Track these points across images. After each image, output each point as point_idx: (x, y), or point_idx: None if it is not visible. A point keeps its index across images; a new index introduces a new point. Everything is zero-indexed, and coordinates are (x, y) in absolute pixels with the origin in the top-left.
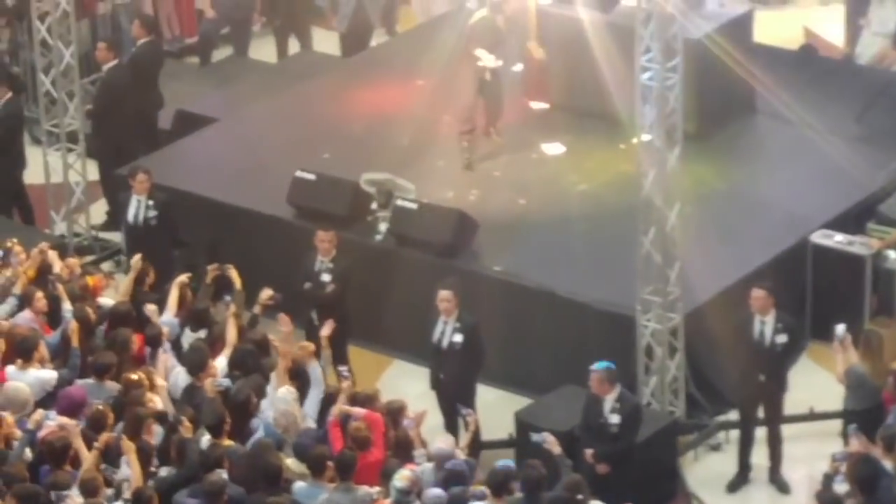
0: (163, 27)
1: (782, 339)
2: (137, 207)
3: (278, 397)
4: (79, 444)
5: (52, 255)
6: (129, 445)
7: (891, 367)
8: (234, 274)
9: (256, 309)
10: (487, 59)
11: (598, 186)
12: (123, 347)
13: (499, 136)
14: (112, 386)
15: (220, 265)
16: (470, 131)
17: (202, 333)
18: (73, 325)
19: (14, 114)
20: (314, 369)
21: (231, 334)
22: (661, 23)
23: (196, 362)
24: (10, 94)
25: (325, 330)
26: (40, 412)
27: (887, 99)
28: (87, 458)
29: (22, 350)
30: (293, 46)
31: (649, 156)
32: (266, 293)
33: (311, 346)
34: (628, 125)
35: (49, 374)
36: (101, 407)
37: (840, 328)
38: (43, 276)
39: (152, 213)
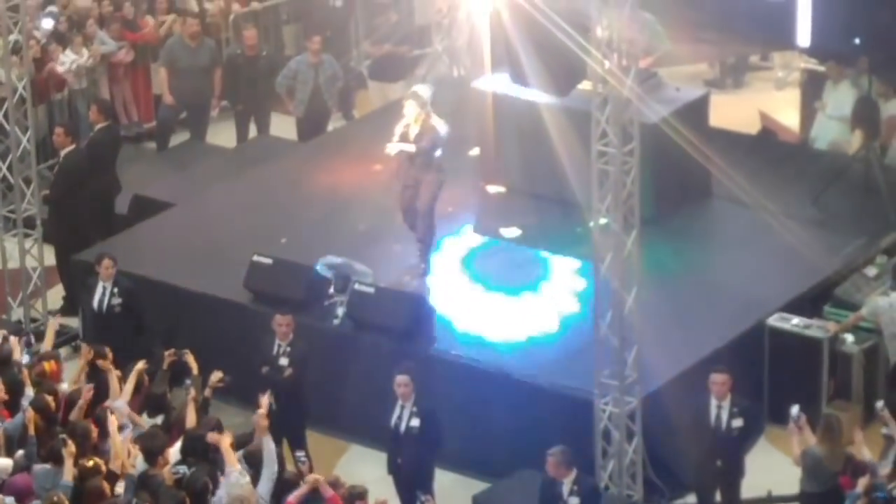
0: (120, 112)
1: (738, 423)
2: (102, 294)
3: (231, 482)
4: None
5: (13, 341)
6: None
7: (848, 452)
8: (191, 359)
9: (207, 392)
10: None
11: (555, 270)
12: (83, 436)
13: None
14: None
15: (176, 350)
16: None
17: (159, 419)
18: (29, 414)
19: None
20: (267, 445)
21: (191, 418)
22: (617, 107)
23: (153, 449)
24: None
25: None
26: None
27: (843, 182)
28: None
29: None
30: (253, 131)
31: (606, 239)
32: (216, 375)
33: (264, 422)
34: (585, 209)
35: (4, 462)
36: (55, 498)
37: (794, 409)
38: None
39: (116, 301)
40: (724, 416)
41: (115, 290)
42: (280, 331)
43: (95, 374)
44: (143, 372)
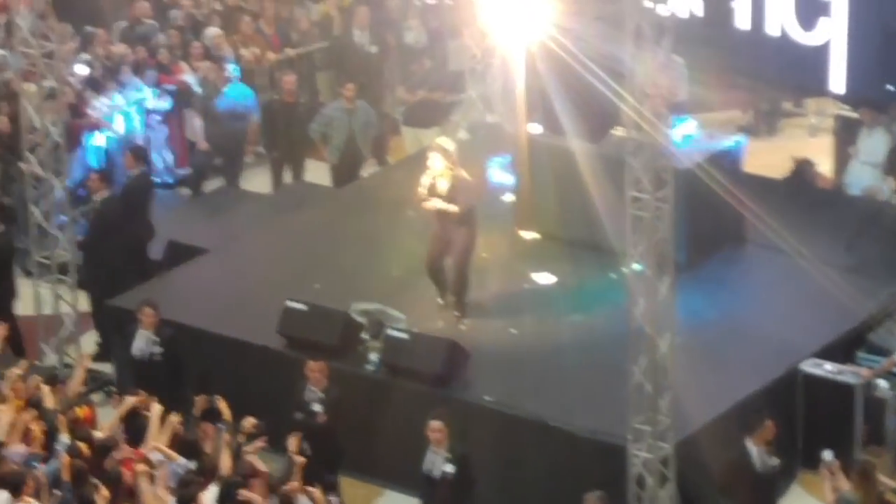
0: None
1: (775, 461)
2: (143, 342)
3: None
4: None
5: (45, 390)
6: None
7: (884, 498)
8: (223, 405)
9: (241, 438)
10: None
11: (589, 316)
12: (116, 482)
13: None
14: None
15: (208, 396)
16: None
17: (192, 465)
18: (65, 460)
19: (5, 246)
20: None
21: (225, 463)
22: (651, 153)
23: (186, 497)
24: (1, 226)
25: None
26: None
27: (877, 228)
28: None
29: (11, 485)
30: (287, 177)
31: (640, 285)
32: (249, 421)
33: (297, 484)
34: (619, 254)
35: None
36: None
37: (827, 454)
38: (35, 408)
39: (157, 350)
40: (765, 458)
41: (157, 338)
42: (313, 377)
43: (132, 421)
44: (177, 424)
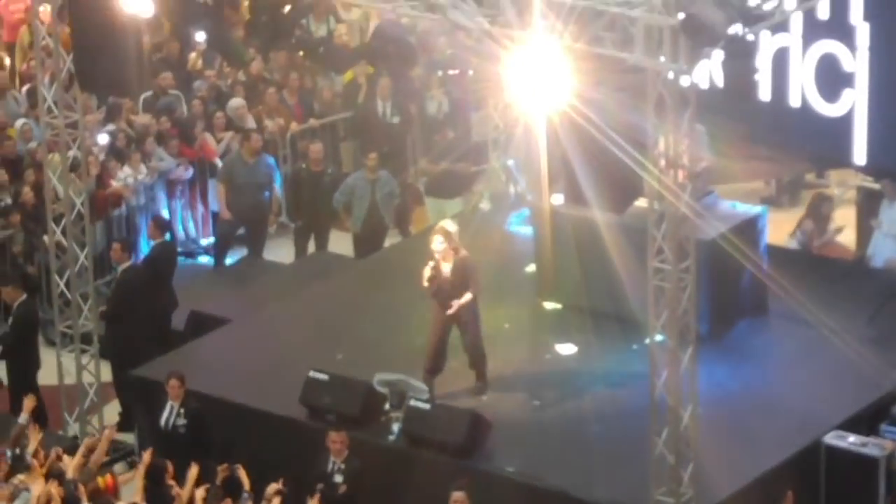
0: (177, 228)
1: None
2: (170, 413)
3: None
4: None
5: (67, 460)
6: None
7: None
8: (243, 474)
9: None
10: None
11: (611, 387)
12: None
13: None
14: None
15: (229, 465)
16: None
17: None
18: None
19: (28, 315)
20: None
21: None
22: (673, 224)
23: None
24: (24, 296)
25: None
26: None
27: None
28: None
29: None
30: (311, 247)
31: (662, 356)
32: (272, 487)
33: None
34: (641, 325)
35: None
36: None
37: None
38: (56, 478)
39: (182, 422)
40: None
41: (182, 410)
42: (334, 448)
43: (156, 492)
44: (205, 500)
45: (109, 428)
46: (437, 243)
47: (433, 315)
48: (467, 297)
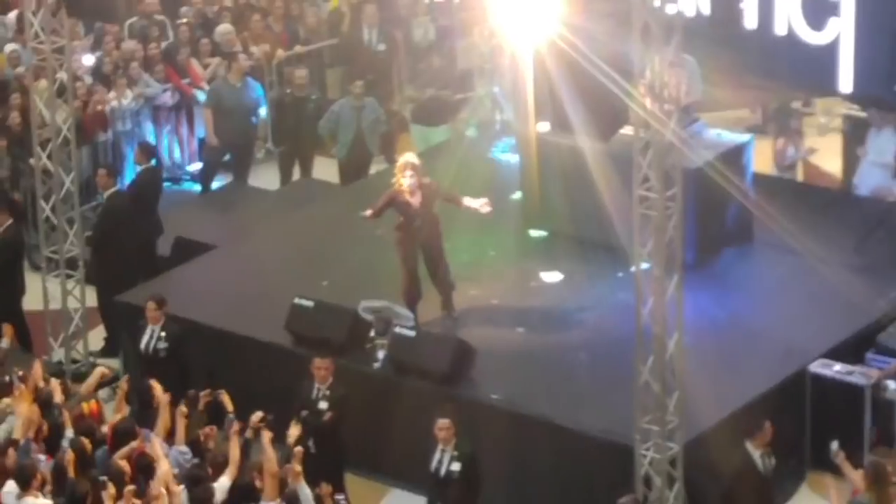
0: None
1: (773, 462)
2: (150, 336)
3: None
4: None
5: (54, 384)
6: None
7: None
8: (226, 399)
9: (249, 433)
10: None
11: (597, 315)
12: (118, 478)
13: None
14: None
15: (212, 391)
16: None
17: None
18: (69, 456)
19: (14, 240)
20: (303, 491)
21: (234, 454)
22: (659, 151)
23: (199, 497)
24: (10, 221)
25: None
26: None
27: (886, 229)
28: None
29: (20, 479)
30: (296, 174)
31: (648, 284)
32: (257, 415)
33: (297, 468)
34: (627, 253)
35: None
36: None
37: (834, 444)
38: (41, 403)
39: (162, 345)
40: (766, 461)
41: (163, 334)
42: (319, 374)
43: (144, 415)
44: (186, 415)
45: (101, 369)
46: (408, 177)
47: (402, 247)
48: (483, 200)
